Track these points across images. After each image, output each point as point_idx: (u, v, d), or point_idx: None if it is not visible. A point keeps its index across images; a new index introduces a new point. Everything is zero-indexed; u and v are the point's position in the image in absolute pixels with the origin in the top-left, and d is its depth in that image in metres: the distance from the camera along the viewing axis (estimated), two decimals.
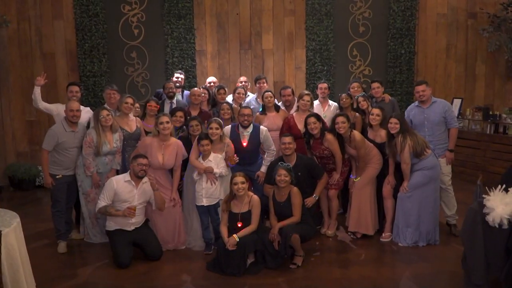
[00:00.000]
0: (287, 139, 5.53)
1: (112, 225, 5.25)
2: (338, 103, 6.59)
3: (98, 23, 8.87)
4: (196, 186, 5.48)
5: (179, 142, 5.67)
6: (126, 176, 5.31)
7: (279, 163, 5.33)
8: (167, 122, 5.52)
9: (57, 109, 6.23)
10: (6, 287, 3.57)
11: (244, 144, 5.80)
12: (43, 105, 6.26)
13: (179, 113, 6.05)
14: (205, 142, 5.39)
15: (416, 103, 6.13)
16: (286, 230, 4.93)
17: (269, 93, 6.43)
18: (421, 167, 5.50)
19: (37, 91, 6.21)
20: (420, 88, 5.97)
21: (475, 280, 4.03)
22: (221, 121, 5.69)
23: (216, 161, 5.45)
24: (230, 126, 5.96)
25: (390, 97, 6.86)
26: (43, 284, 4.55)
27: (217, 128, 5.50)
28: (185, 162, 5.72)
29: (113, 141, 5.72)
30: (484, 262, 4.00)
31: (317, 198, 5.65)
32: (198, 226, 5.65)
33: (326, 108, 6.78)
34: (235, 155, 5.59)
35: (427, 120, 5.94)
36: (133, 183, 5.27)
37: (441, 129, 5.95)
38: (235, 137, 5.82)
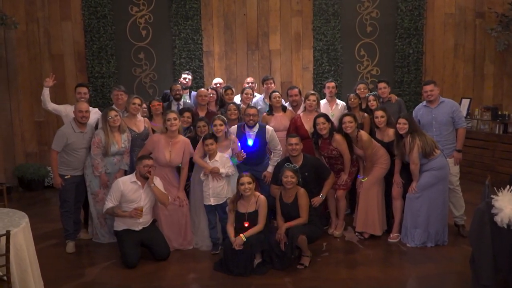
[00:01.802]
0: (294, 140, 5.51)
1: (120, 225, 5.27)
2: (347, 103, 6.58)
3: (106, 25, 8.91)
4: (204, 186, 5.49)
5: (187, 140, 5.69)
6: (132, 177, 5.34)
7: (285, 164, 5.32)
8: (175, 119, 5.54)
9: (66, 110, 6.26)
10: (14, 286, 3.60)
11: (250, 143, 5.80)
12: (51, 106, 6.29)
13: (187, 114, 6.08)
14: (209, 141, 5.39)
15: (424, 103, 6.11)
16: (293, 231, 4.93)
17: (277, 93, 6.44)
18: (430, 167, 5.47)
19: (46, 92, 6.25)
20: (428, 87, 5.95)
21: (483, 281, 4.01)
22: (224, 118, 5.71)
23: (222, 161, 5.45)
24: (236, 125, 5.98)
25: (396, 97, 6.82)
26: (51, 283, 4.58)
27: (221, 125, 5.53)
28: (193, 163, 5.73)
29: (121, 141, 5.73)
30: (492, 263, 3.97)
31: (324, 198, 5.64)
32: (205, 226, 5.66)
33: (333, 107, 6.76)
34: (242, 150, 5.60)
35: (435, 120, 5.91)
36: (139, 183, 5.29)
37: (449, 129, 5.92)
38: (241, 137, 5.83)
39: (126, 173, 5.80)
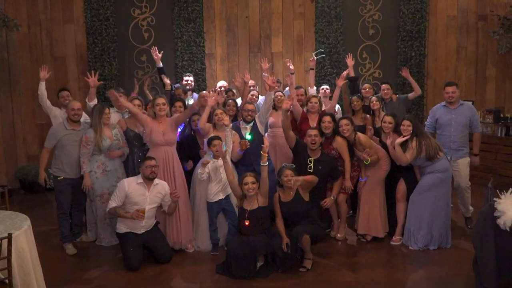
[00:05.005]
0: (314, 131, 5.62)
1: (122, 228, 5.26)
2: (341, 106, 6.70)
3: (109, 27, 8.93)
4: (212, 186, 5.53)
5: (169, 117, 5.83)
6: (138, 178, 5.33)
7: (283, 164, 5.39)
8: (163, 104, 5.63)
9: (55, 112, 6.26)
10: None
11: (248, 137, 5.86)
12: (48, 103, 6.22)
13: (178, 103, 6.20)
14: (216, 142, 5.39)
15: (443, 103, 6.25)
16: (298, 230, 4.93)
17: (280, 93, 6.48)
18: (434, 169, 5.47)
19: (42, 86, 6.15)
20: (450, 89, 6.09)
21: (486, 284, 4.00)
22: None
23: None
24: (232, 123, 6.06)
25: (396, 95, 6.93)
26: (54, 286, 4.57)
27: (221, 113, 5.70)
28: (195, 164, 5.77)
29: (113, 135, 5.76)
30: (495, 266, 3.96)
31: (335, 198, 5.73)
32: (206, 227, 5.67)
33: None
34: (246, 141, 5.64)
35: (455, 121, 6.07)
36: (145, 185, 5.29)
37: (465, 131, 6.11)
38: (237, 132, 5.92)
39: (127, 168, 5.91)
